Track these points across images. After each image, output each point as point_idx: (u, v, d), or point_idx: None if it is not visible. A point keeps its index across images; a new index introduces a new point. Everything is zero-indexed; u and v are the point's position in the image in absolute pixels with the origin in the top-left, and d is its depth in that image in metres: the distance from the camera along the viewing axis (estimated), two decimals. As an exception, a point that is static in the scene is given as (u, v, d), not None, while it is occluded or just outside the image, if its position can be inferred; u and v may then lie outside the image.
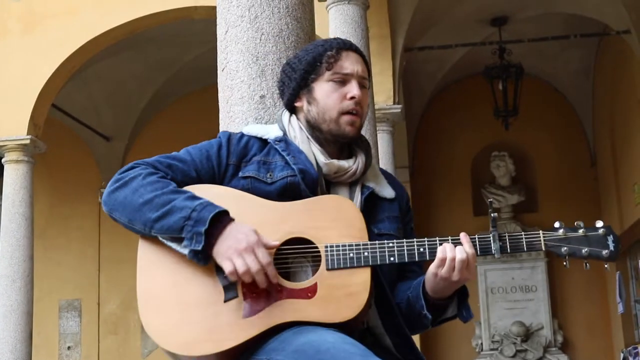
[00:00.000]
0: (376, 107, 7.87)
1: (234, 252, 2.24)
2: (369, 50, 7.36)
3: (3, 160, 9.42)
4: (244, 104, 3.04)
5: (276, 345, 2.22)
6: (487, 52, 11.82)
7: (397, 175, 10.10)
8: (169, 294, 2.31)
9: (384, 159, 8.48)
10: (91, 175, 13.18)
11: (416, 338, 11.45)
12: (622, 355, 11.55)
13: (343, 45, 2.50)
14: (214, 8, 3.32)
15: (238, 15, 3.13)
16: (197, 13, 9.48)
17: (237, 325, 2.26)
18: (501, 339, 12.47)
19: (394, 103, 9.31)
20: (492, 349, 12.54)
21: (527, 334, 12.41)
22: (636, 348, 10.94)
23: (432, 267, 2.31)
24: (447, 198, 13.14)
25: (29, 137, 9.37)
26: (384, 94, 9.21)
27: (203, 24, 9.37)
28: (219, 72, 3.16)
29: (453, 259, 2.28)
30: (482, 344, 12.64)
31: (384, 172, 2.67)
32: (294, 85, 2.52)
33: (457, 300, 2.43)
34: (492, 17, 11.64)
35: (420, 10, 9.95)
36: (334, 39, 2.55)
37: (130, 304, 12.41)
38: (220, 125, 3.08)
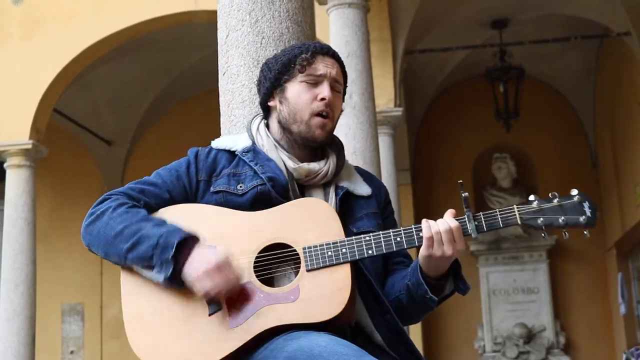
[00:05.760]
0: (377, 110, 7.87)
1: (202, 273, 2.26)
2: (369, 53, 7.37)
3: (5, 165, 9.42)
4: (245, 108, 3.05)
5: (267, 353, 2.23)
6: (487, 55, 11.84)
7: (398, 178, 10.11)
8: (153, 314, 2.34)
9: (385, 162, 8.49)
10: (93, 179, 13.19)
11: (418, 340, 11.45)
12: (624, 356, 11.54)
13: (320, 50, 2.52)
14: (214, 12, 3.33)
15: (239, 19, 3.14)
16: (198, 17, 9.49)
17: (224, 336, 2.27)
18: (503, 341, 12.47)
19: (395, 106, 9.31)
20: (494, 351, 12.54)
21: (530, 336, 12.41)
22: (638, 349, 10.93)
23: (422, 251, 2.33)
24: (449, 200, 13.04)
25: (30, 141, 9.38)
26: (385, 96, 9.21)
27: (204, 28, 9.39)
28: (220, 76, 3.17)
29: (438, 232, 2.31)
30: (484, 345, 12.64)
31: (360, 170, 2.68)
32: (268, 85, 2.54)
33: (452, 275, 2.44)
34: (493, 19, 11.65)
35: (420, 13, 9.96)
36: (314, 42, 2.57)
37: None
38: (222, 130, 3.09)
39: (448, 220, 2.33)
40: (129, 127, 13.44)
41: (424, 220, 2.35)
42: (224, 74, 3.14)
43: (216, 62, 3.22)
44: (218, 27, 3.23)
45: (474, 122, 13.26)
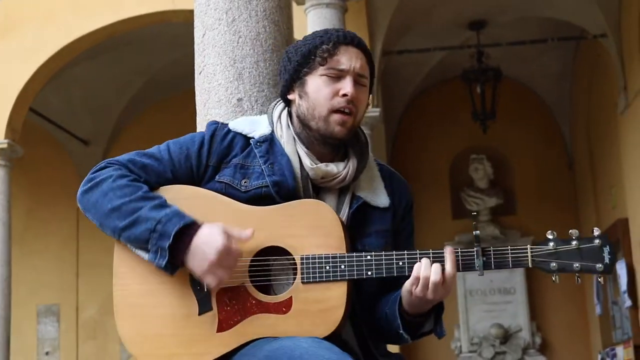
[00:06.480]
0: (355, 110, 7.87)
1: (206, 268, 2.19)
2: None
3: (-20, 164, 9.36)
4: (221, 107, 3.03)
5: (248, 350, 2.20)
6: (465, 56, 11.86)
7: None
8: (144, 302, 2.29)
9: (363, 162, 8.49)
10: (69, 179, 13.07)
11: (395, 341, 11.46)
12: (599, 356, 11.60)
13: (343, 39, 2.34)
14: (191, 12, 3.31)
15: (215, 18, 3.12)
16: (176, 16, 9.46)
17: (211, 339, 2.24)
18: (480, 341, 12.51)
19: (373, 106, 9.33)
20: (471, 351, 12.57)
21: (506, 336, 12.45)
22: (614, 349, 11.00)
23: (407, 284, 2.23)
24: (426, 201, 13.13)
25: (6, 141, 9.32)
26: (362, 97, 9.21)
27: (181, 27, 9.36)
28: (196, 75, 3.15)
29: (427, 278, 2.19)
30: (461, 346, 12.67)
31: (383, 170, 2.53)
32: (287, 77, 2.39)
33: (433, 316, 2.34)
34: (470, 20, 11.68)
35: (398, 14, 9.98)
36: (337, 30, 2.39)
37: (109, 308, 12.15)
38: (198, 129, 3.07)
39: (447, 267, 2.21)
40: (105, 127, 13.37)
41: (423, 260, 2.21)
42: (200, 73, 3.13)
43: (193, 61, 3.20)
44: (195, 26, 3.22)
45: (451, 123, 13.28)
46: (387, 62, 10.73)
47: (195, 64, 3.16)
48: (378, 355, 2.37)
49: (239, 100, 3.01)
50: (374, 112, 9.28)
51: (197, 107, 3.12)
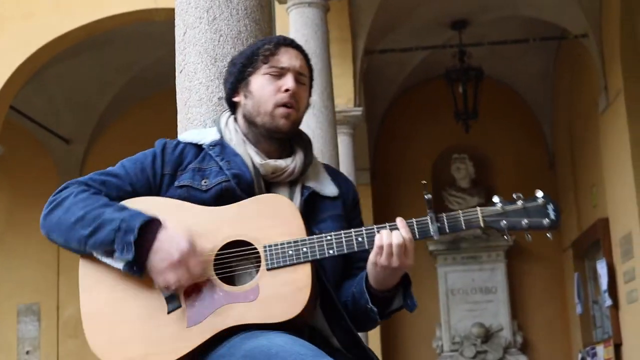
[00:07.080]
0: (337, 109, 7.88)
1: (167, 266, 2.24)
2: (329, 53, 7.38)
3: (-40, 163, 9.31)
4: (202, 106, 3.03)
5: (225, 351, 2.22)
6: (447, 55, 11.89)
7: (358, 178, 10.12)
8: (112, 310, 2.31)
9: (345, 162, 8.49)
10: (50, 179, 13.02)
11: (377, 339, 11.48)
12: (580, 355, 11.67)
13: (283, 41, 2.51)
14: (173, 10, 3.31)
15: (196, 16, 3.12)
16: (157, 15, 9.44)
17: (182, 335, 2.26)
18: (461, 341, 12.54)
19: (355, 105, 9.34)
20: (452, 350, 12.61)
21: (487, 335, 12.50)
22: (594, 348, 11.06)
23: (371, 257, 2.31)
24: (408, 200, 13.16)
25: (-14, 140, 9.28)
26: (345, 96, 9.22)
27: (163, 26, 9.33)
28: (177, 73, 3.14)
29: (390, 245, 2.27)
30: (442, 345, 12.70)
31: (328, 168, 2.65)
32: (232, 79, 2.53)
33: (402, 290, 2.42)
34: (453, 20, 11.72)
35: (380, 13, 9.99)
36: (278, 35, 2.57)
37: (90, 307, 12.21)
38: (179, 128, 3.07)
39: (403, 233, 2.30)
40: (87, 126, 13.31)
41: (382, 230, 2.31)
42: (181, 72, 3.13)
43: (174, 60, 3.19)
44: (175, 24, 3.21)
45: (433, 122, 13.31)
46: (369, 61, 10.75)
47: (176, 63, 3.16)
48: (354, 332, 2.42)
49: (220, 99, 3.00)
50: (356, 111, 9.29)
51: (178, 106, 3.12)
